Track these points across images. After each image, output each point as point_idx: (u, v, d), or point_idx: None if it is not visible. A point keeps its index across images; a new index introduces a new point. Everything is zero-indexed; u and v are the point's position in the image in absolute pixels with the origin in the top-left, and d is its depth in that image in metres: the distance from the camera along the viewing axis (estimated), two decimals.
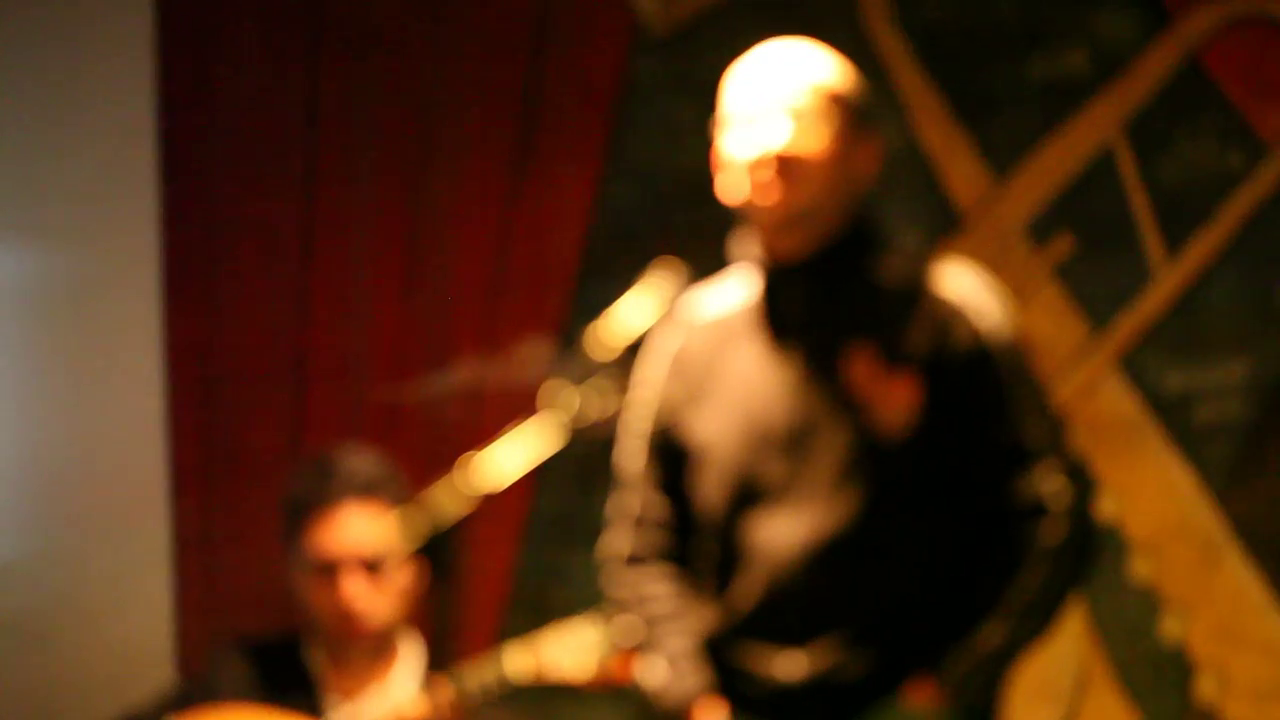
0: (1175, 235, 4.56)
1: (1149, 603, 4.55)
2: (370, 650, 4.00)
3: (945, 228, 4.75)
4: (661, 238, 5.00)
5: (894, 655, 3.16)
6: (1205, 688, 4.52)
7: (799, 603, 3.17)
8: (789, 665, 3.18)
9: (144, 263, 5.42)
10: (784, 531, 3.17)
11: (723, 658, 3.25)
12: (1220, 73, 4.55)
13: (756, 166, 3.16)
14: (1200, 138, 4.55)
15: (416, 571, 3.96)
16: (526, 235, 5.17)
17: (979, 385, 3.16)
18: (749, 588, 3.20)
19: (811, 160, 3.15)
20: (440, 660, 3.73)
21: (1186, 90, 4.57)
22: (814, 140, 3.16)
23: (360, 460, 4.00)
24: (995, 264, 4.59)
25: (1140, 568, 4.57)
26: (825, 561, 3.15)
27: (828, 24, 4.76)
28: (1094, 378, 4.63)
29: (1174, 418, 4.56)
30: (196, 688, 4.03)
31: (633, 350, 2.83)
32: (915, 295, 3.19)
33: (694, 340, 3.31)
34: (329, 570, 3.93)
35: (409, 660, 4.05)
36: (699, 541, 3.30)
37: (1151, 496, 4.56)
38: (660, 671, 3.26)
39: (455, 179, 5.23)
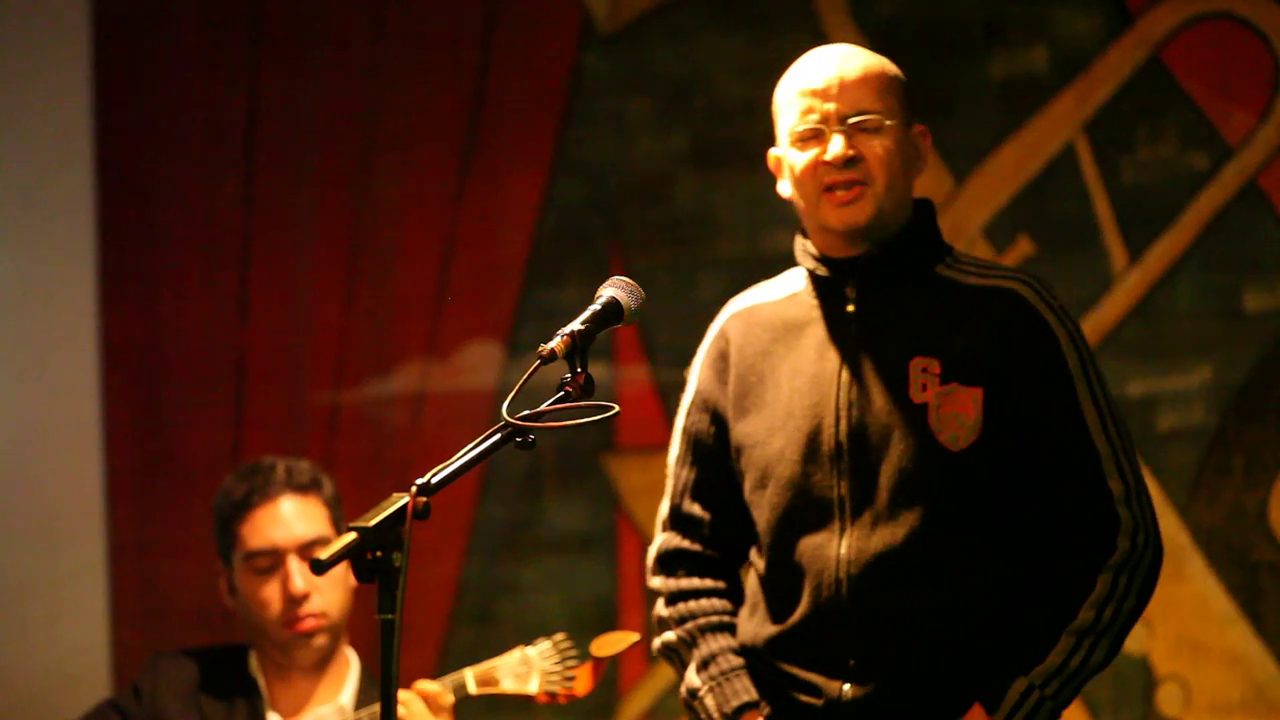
0: (1137, 237, 4.53)
1: None
2: (314, 661, 3.95)
3: None
4: (611, 237, 4.98)
5: (949, 677, 3.08)
6: (1167, 700, 4.48)
7: (852, 620, 3.09)
8: (840, 684, 3.11)
9: (81, 266, 5.39)
10: (838, 545, 3.10)
11: (770, 672, 3.18)
12: (1182, 72, 4.53)
13: (831, 171, 3.12)
14: (1162, 138, 4.53)
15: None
16: (473, 236, 5.13)
17: (1050, 392, 3.08)
18: (800, 602, 3.13)
19: (883, 157, 3.12)
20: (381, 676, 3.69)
21: (1148, 90, 4.53)
22: (882, 136, 3.13)
23: (294, 463, 4.01)
24: None
25: None
26: (880, 578, 3.08)
27: (783, 20, 4.75)
28: None
29: (1135, 424, 4.49)
30: (134, 700, 3.96)
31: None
32: (980, 297, 3.13)
33: (744, 342, 3.24)
34: (273, 564, 3.92)
35: (350, 676, 4.00)
36: (748, 550, 3.24)
37: None
38: (705, 684, 3.21)
39: (399, 179, 5.20)
